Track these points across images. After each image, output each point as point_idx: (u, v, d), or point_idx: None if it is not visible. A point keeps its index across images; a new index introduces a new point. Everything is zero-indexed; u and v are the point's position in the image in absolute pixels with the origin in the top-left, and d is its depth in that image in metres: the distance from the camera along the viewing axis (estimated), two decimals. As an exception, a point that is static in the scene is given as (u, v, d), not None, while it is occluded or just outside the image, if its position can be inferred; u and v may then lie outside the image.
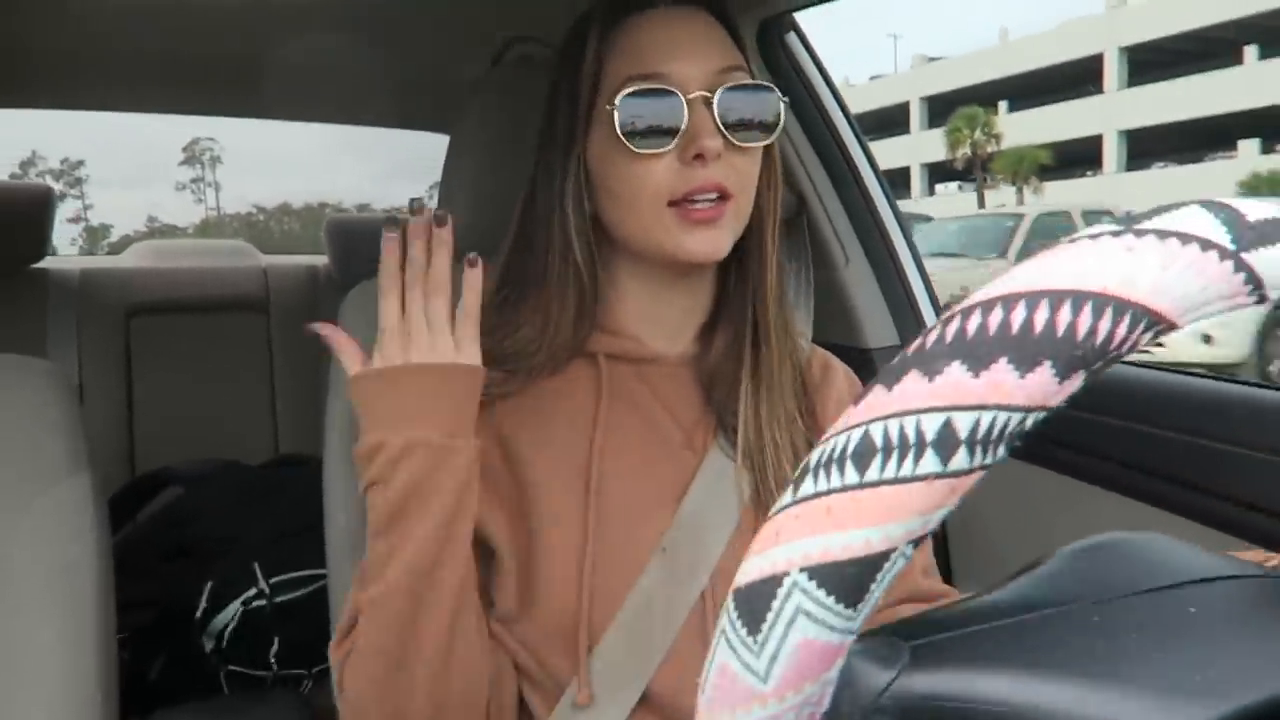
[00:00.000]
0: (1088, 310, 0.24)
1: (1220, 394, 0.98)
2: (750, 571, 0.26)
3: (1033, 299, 0.25)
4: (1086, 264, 0.25)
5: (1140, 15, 30.28)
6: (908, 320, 1.38)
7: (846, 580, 0.25)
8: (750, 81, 0.77)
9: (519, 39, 1.14)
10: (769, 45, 1.35)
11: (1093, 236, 0.26)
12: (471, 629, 0.73)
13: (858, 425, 0.25)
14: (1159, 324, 0.25)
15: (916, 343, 0.26)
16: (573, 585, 0.74)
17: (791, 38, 1.36)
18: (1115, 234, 0.25)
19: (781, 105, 0.78)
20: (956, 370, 0.24)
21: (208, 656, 1.46)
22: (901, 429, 0.25)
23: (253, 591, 1.46)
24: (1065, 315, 0.24)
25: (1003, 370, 0.24)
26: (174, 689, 1.45)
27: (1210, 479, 0.94)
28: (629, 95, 0.74)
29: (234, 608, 1.46)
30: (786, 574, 0.25)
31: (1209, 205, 0.26)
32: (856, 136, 1.40)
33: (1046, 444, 1.13)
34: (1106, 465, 1.06)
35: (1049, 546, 0.33)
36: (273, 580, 1.46)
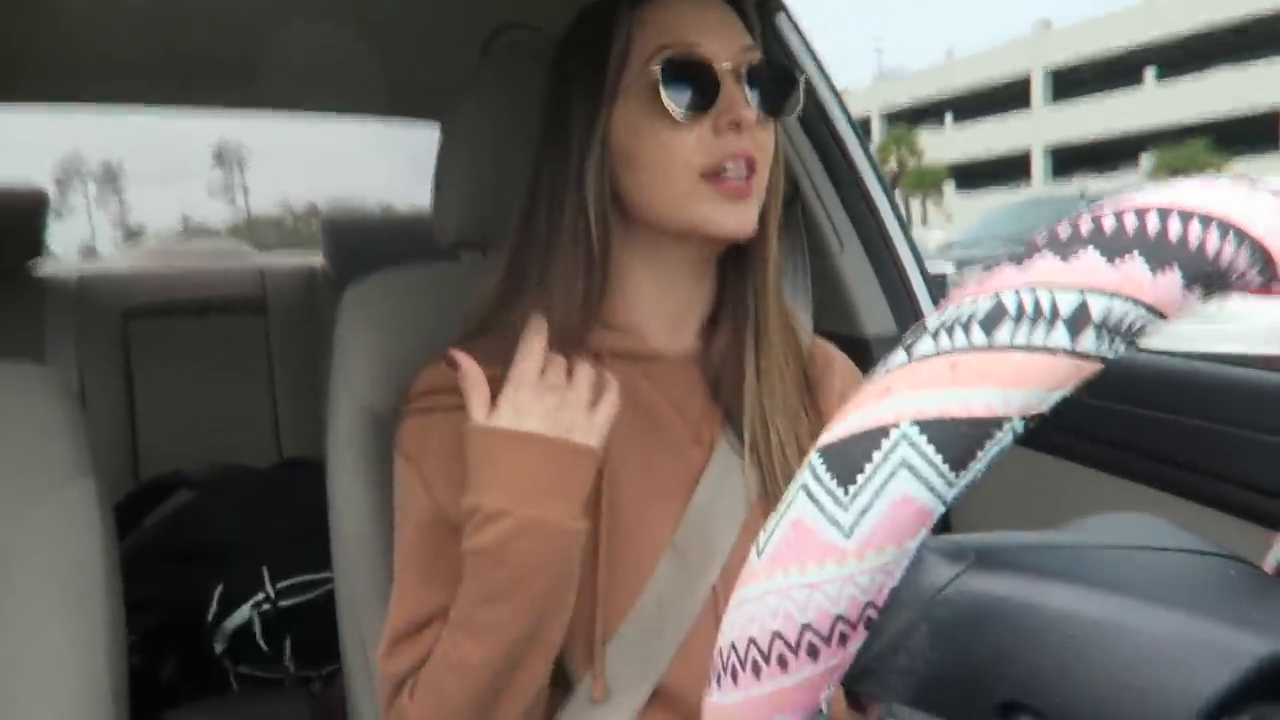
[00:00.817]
0: (1215, 231, 0.25)
1: (1224, 378, 0.98)
2: (849, 425, 0.26)
3: (1164, 211, 0.26)
4: (1210, 195, 0.26)
5: (1062, 39, 33.65)
6: (904, 307, 1.37)
7: (959, 440, 0.25)
8: (774, 59, 0.79)
9: (510, 26, 1.14)
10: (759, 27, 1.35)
11: (1209, 179, 0.27)
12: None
13: (986, 294, 0.26)
14: (1270, 267, 0.26)
15: (1045, 233, 0.27)
16: (586, 583, 0.74)
17: (781, 18, 1.35)
18: (1233, 181, 0.27)
19: (800, 84, 0.80)
20: (1093, 256, 0.25)
21: (219, 659, 1.46)
22: (1036, 299, 0.25)
23: (262, 595, 1.47)
24: (1195, 230, 0.25)
25: (1137, 265, 0.25)
26: (186, 691, 1.46)
27: (1215, 462, 0.94)
28: (668, 61, 0.75)
29: (245, 610, 1.46)
30: (895, 426, 0.25)
31: None
32: (849, 122, 1.39)
33: (1052, 430, 1.13)
34: (1111, 451, 1.07)
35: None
36: (280, 585, 1.47)
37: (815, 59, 1.38)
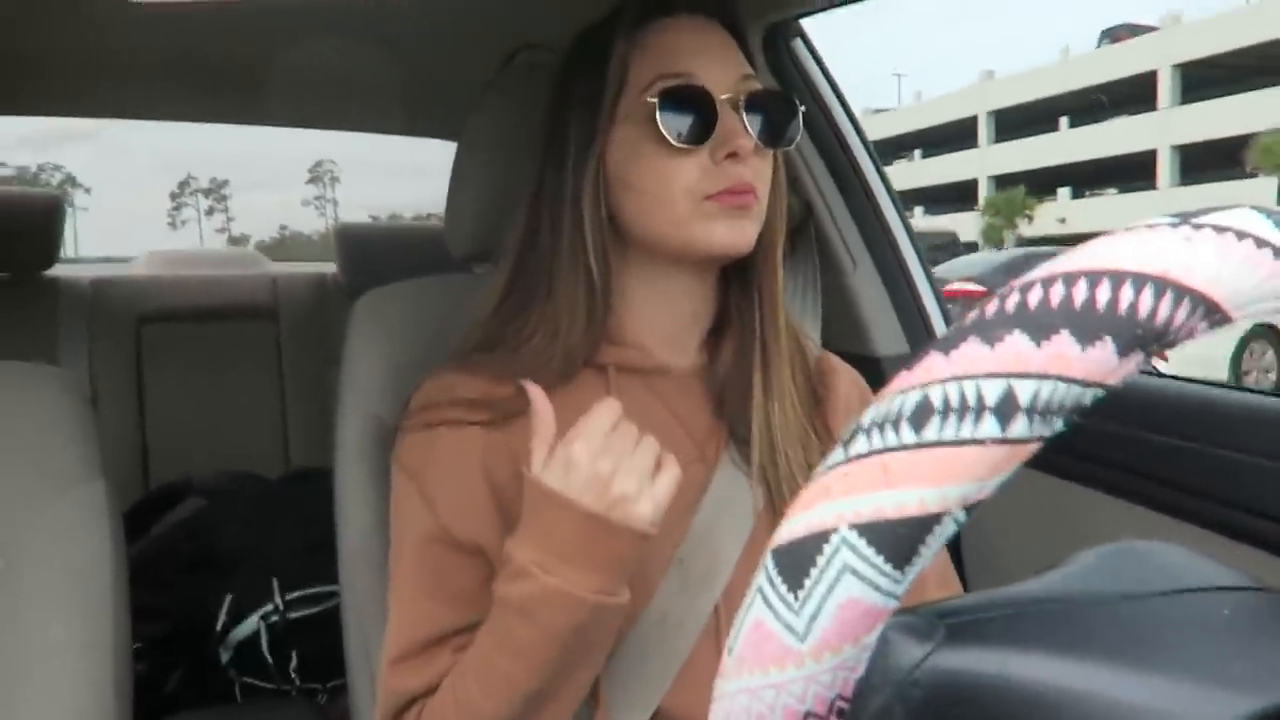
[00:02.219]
0: (1148, 292, 0.24)
1: (1228, 402, 0.97)
2: (795, 528, 0.26)
3: (1094, 277, 0.25)
4: (1147, 249, 0.25)
5: (1002, 85, 40.46)
6: (916, 327, 1.37)
7: (897, 540, 0.25)
8: (773, 89, 0.79)
9: (527, 47, 1.14)
10: (775, 51, 1.35)
11: (1150, 226, 0.26)
12: None
13: (914, 388, 0.26)
14: (1215, 313, 0.25)
15: (974, 314, 0.26)
16: None
17: (798, 44, 1.36)
18: (1173, 225, 0.26)
19: (799, 114, 0.80)
20: (1018, 339, 0.25)
21: (224, 668, 1.46)
22: (961, 392, 0.25)
23: (270, 606, 1.46)
24: (1127, 294, 0.24)
25: (1064, 342, 0.24)
26: (188, 700, 1.45)
27: (1219, 486, 0.94)
28: (665, 90, 0.75)
29: (253, 621, 1.46)
30: (835, 530, 0.25)
31: (1259, 209, 0.26)
32: (863, 143, 1.39)
33: (1059, 453, 1.12)
34: (1118, 474, 1.06)
35: (1063, 555, 0.33)
36: (289, 597, 1.47)
37: (832, 83, 1.38)
